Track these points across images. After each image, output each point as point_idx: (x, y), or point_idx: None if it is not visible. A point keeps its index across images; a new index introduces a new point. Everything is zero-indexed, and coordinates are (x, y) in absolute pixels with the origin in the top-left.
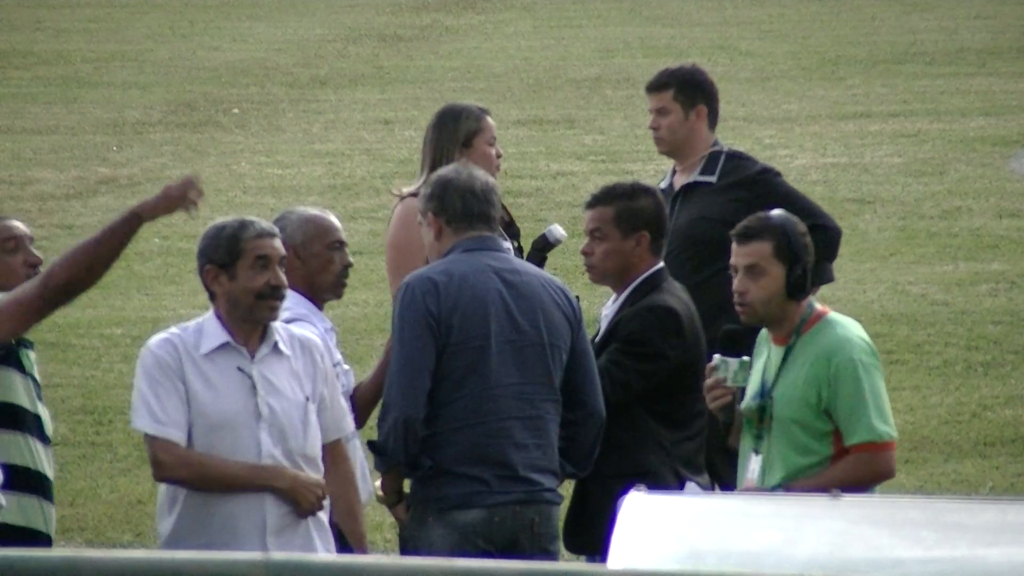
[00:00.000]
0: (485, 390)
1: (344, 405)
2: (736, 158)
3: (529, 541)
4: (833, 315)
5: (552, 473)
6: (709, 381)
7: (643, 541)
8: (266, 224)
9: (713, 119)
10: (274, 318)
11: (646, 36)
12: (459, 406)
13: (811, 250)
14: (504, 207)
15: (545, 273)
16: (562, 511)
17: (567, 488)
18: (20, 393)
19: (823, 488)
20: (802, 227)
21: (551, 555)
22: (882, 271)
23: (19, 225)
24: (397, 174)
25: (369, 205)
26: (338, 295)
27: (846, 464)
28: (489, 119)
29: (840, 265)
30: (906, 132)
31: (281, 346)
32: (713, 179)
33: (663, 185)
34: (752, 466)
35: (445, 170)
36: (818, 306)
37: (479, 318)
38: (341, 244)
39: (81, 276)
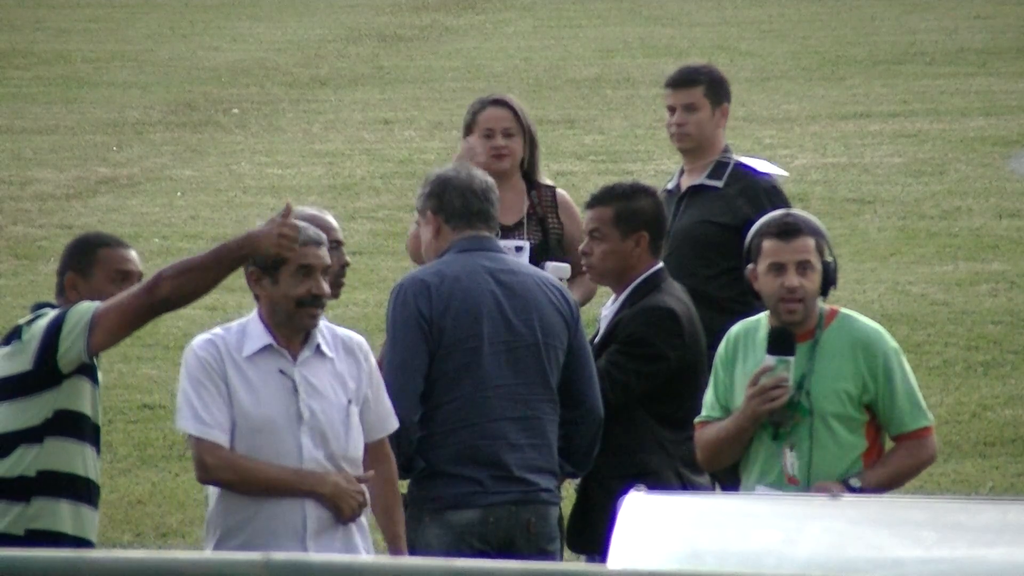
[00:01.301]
0: (478, 391)
1: (388, 404)
2: (745, 168)
3: (526, 541)
4: (845, 311)
5: (550, 473)
6: (768, 381)
7: (643, 541)
8: (313, 232)
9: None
10: (314, 325)
11: (646, 36)
12: (452, 408)
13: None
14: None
15: (542, 272)
16: (566, 512)
17: (571, 489)
18: (87, 403)
19: (889, 483)
20: None
21: (549, 555)
22: (882, 271)
23: (134, 258)
24: (397, 174)
25: (369, 205)
26: (335, 295)
27: (906, 450)
28: (491, 110)
29: (840, 265)
30: (906, 132)
31: (324, 348)
32: (720, 184)
33: (670, 185)
34: (792, 461)
35: (444, 168)
36: (823, 303)
37: (471, 319)
38: (338, 244)
39: (186, 292)
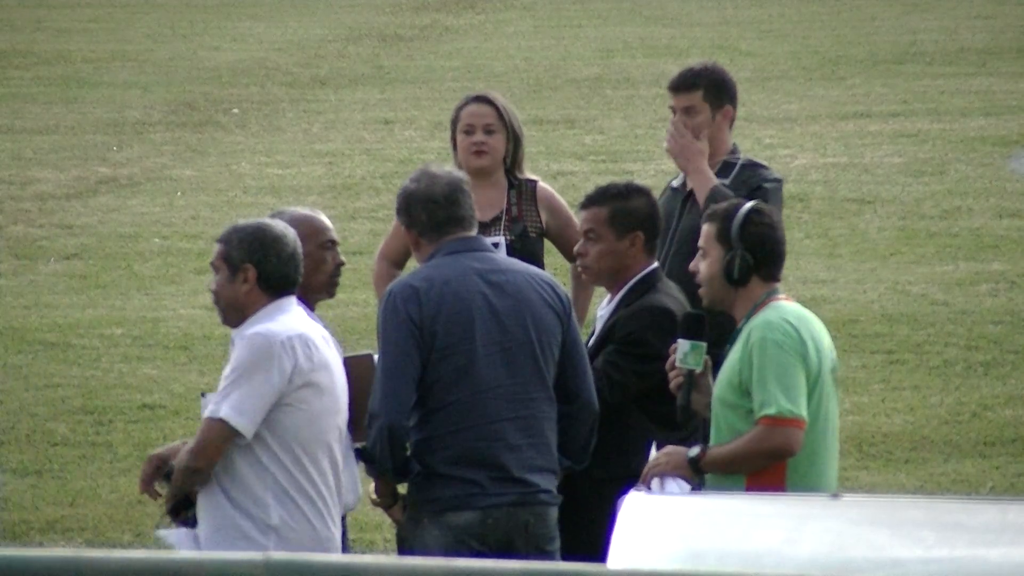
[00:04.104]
0: (474, 393)
1: (227, 392)
2: (751, 167)
3: (524, 542)
4: (779, 303)
5: (550, 472)
6: (667, 363)
7: (643, 541)
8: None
9: (733, 120)
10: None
11: (646, 36)
12: (450, 411)
13: (764, 240)
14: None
15: (532, 269)
16: None
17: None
18: None
19: (728, 461)
20: (764, 218)
21: (549, 555)
22: (882, 271)
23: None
24: (397, 174)
25: (369, 205)
26: (331, 294)
27: (746, 436)
28: (473, 107)
29: (840, 265)
30: (906, 132)
31: (235, 339)
32: (725, 183)
33: (676, 184)
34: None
35: (408, 181)
36: (781, 296)
37: (463, 322)
38: (333, 243)
39: None
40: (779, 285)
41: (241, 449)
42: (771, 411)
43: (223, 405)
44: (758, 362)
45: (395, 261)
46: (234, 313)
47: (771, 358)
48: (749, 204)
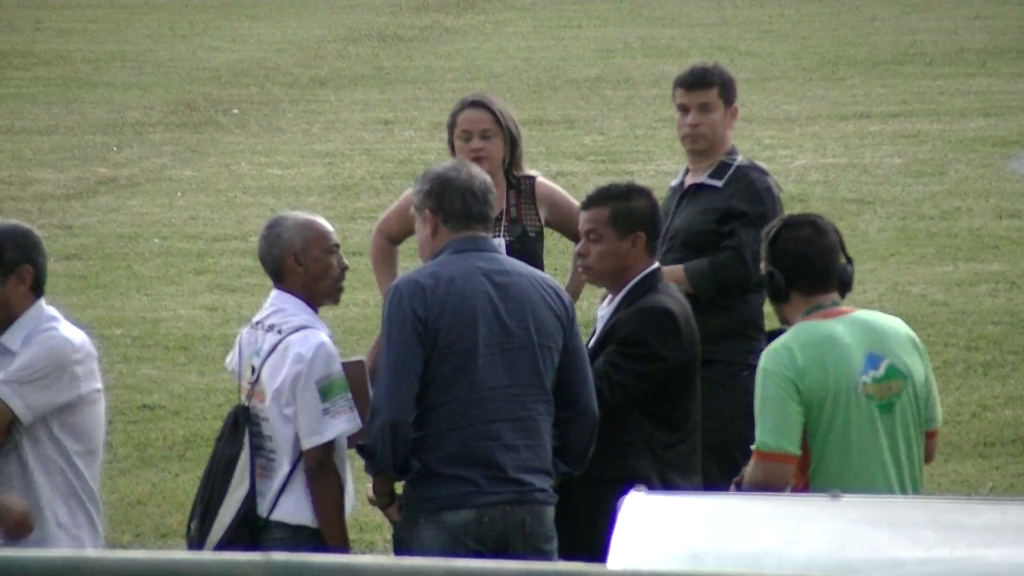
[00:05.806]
0: (473, 393)
1: (20, 386)
2: (747, 169)
3: (521, 541)
4: (805, 323)
5: (545, 473)
6: None
7: (643, 541)
8: None
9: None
10: None
11: (646, 36)
12: (448, 409)
13: (794, 256)
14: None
15: (538, 272)
16: None
17: None
18: None
19: (746, 483)
20: (796, 232)
21: (546, 555)
22: (882, 271)
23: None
24: (397, 174)
25: (369, 205)
26: (336, 300)
27: (748, 467)
28: (469, 112)
29: None
30: (906, 132)
31: (10, 344)
32: (720, 184)
33: (675, 182)
34: None
35: (444, 168)
36: (821, 311)
37: (466, 321)
38: (336, 247)
39: None
40: (827, 298)
41: (36, 453)
42: (755, 444)
43: (14, 396)
44: (755, 391)
45: (393, 239)
46: (2, 315)
47: (761, 389)
48: (782, 220)
